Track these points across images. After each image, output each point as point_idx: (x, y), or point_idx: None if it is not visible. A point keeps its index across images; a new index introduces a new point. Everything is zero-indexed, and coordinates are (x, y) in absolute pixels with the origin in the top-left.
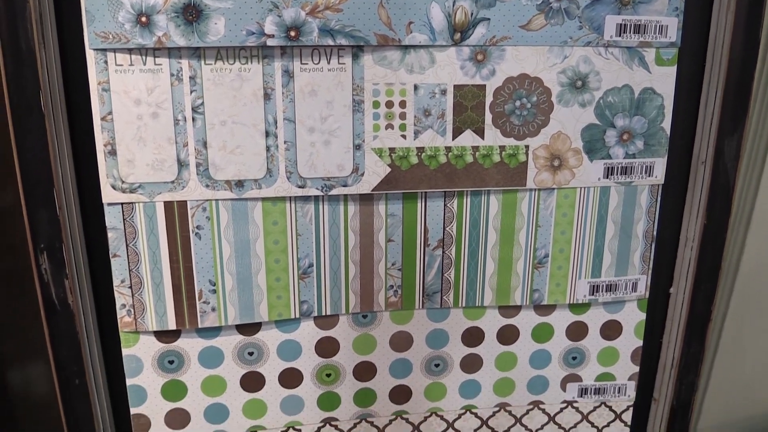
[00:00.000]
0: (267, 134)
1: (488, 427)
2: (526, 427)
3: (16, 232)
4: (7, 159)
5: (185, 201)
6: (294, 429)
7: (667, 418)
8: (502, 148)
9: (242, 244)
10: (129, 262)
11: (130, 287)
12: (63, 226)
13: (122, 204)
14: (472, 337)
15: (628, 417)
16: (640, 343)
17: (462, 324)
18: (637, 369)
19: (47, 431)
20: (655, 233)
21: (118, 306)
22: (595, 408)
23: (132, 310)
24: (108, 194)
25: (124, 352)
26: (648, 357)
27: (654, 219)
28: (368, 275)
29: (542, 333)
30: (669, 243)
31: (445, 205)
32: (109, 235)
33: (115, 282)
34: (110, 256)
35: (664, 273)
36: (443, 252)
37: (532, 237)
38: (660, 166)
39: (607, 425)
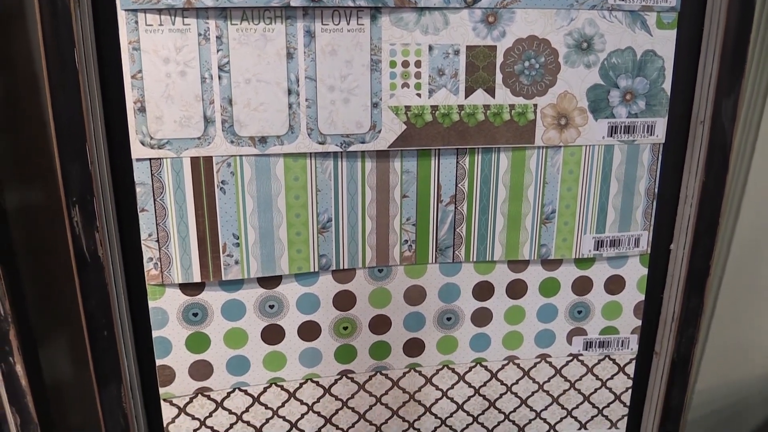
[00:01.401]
0: (289, 92)
1: (497, 379)
2: (533, 380)
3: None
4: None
5: (211, 157)
6: (312, 381)
7: (668, 371)
8: (512, 106)
9: (265, 198)
10: (156, 217)
11: (157, 241)
12: (94, 179)
13: (150, 159)
14: (483, 291)
15: (630, 370)
16: (642, 297)
17: (473, 278)
18: (639, 323)
19: (78, 386)
20: (656, 190)
21: (145, 259)
22: (599, 361)
23: (159, 264)
24: (137, 150)
25: (151, 304)
26: (650, 311)
27: (655, 177)
28: (384, 230)
29: (549, 287)
30: (669, 200)
31: (457, 162)
32: (138, 190)
33: (143, 236)
34: (138, 210)
35: (664, 229)
36: (455, 208)
37: (540, 193)
38: (661, 125)
39: (611, 378)
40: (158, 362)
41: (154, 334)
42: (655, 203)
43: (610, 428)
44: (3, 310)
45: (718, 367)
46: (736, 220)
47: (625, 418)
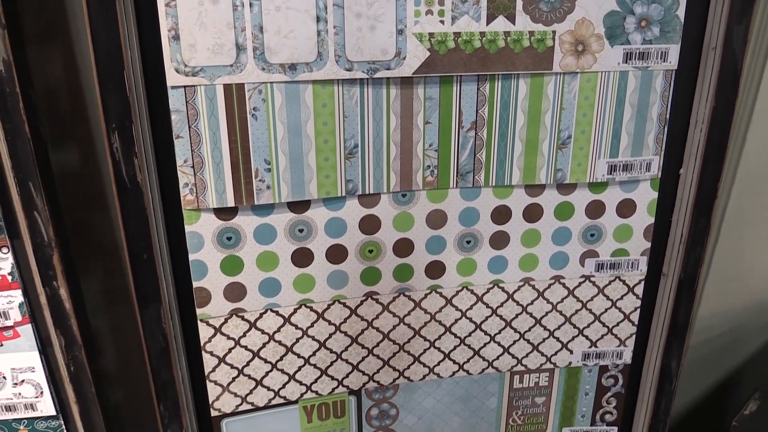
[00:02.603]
0: (318, 19)
1: (513, 300)
2: (547, 301)
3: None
4: None
5: (243, 84)
6: (339, 302)
7: (675, 291)
8: (531, 33)
9: (294, 125)
10: (191, 143)
11: (192, 167)
12: (132, 106)
13: (185, 87)
14: (501, 215)
15: (639, 290)
16: (652, 220)
17: (491, 203)
18: (648, 245)
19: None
20: (668, 116)
21: (181, 185)
22: (610, 282)
23: (194, 189)
24: (172, 78)
25: (187, 229)
26: (659, 233)
27: (667, 102)
28: (407, 156)
29: (564, 211)
30: (680, 125)
31: (478, 88)
32: (173, 117)
33: (179, 162)
34: (174, 137)
35: (675, 154)
36: (476, 134)
37: (557, 119)
38: (674, 52)
39: (621, 298)
40: (195, 284)
41: (191, 257)
42: (666, 129)
43: (618, 346)
44: (47, 235)
45: (718, 294)
46: (743, 147)
47: (633, 337)
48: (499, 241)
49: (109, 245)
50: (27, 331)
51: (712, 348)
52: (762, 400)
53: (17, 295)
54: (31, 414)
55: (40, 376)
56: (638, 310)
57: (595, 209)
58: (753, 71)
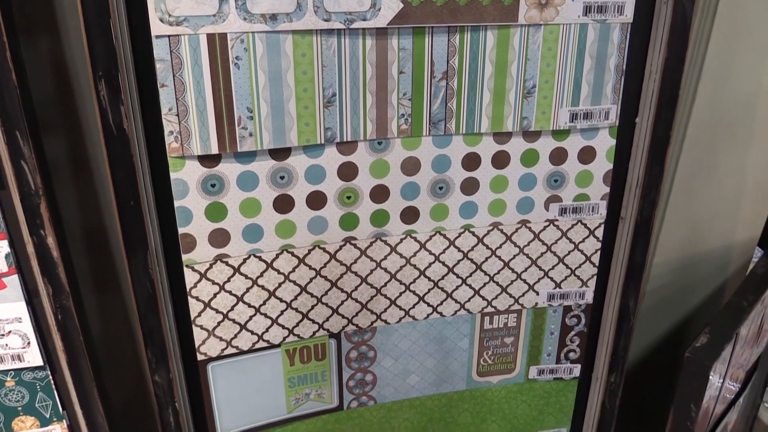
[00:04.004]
0: None
1: (483, 244)
2: (515, 244)
3: None
4: None
5: (225, 33)
6: (319, 247)
7: (632, 233)
8: None
9: (275, 73)
10: (176, 92)
11: (177, 115)
12: (118, 54)
13: (169, 37)
14: (471, 161)
15: (600, 233)
16: (611, 166)
17: (462, 150)
18: (608, 190)
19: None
20: (624, 67)
21: (166, 133)
22: (572, 226)
23: (179, 137)
24: (156, 27)
25: (172, 176)
26: (617, 179)
27: (624, 54)
28: (383, 104)
29: (529, 158)
30: (636, 76)
31: (448, 40)
32: (158, 66)
33: (164, 111)
34: (159, 86)
35: (631, 103)
36: (447, 83)
37: (522, 69)
38: (630, 5)
39: (583, 241)
40: (180, 231)
41: (176, 204)
42: (623, 79)
43: (581, 287)
44: (34, 184)
45: (673, 242)
46: (695, 92)
47: (595, 278)
48: (470, 187)
49: (98, 194)
50: (13, 281)
51: (667, 295)
52: (711, 333)
53: (3, 246)
54: (18, 365)
55: (26, 327)
56: (599, 252)
57: (558, 156)
58: (703, 24)
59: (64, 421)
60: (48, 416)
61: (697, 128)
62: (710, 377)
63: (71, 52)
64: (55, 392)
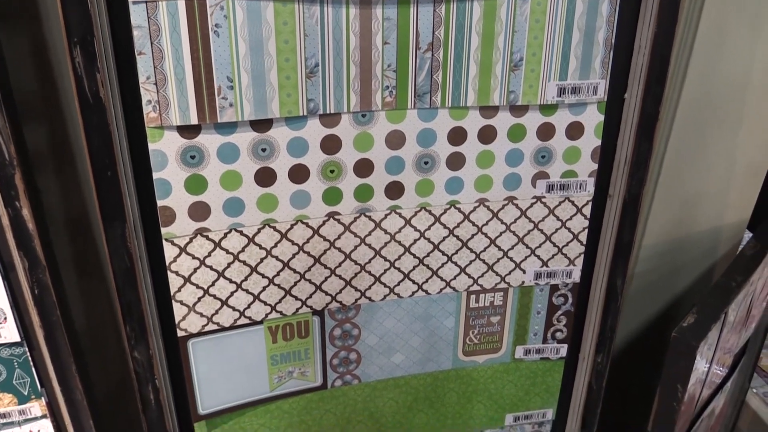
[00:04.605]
0: None
1: (470, 221)
2: (501, 221)
3: None
4: None
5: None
6: (302, 222)
7: (620, 211)
8: None
9: (256, 42)
10: (153, 60)
11: (155, 83)
12: (94, 20)
13: (146, 2)
14: (457, 136)
15: (587, 211)
16: (599, 142)
17: (448, 124)
18: (596, 167)
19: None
20: (613, 41)
21: (144, 102)
22: (560, 203)
23: (157, 106)
24: None
25: (151, 147)
26: (605, 156)
27: (613, 27)
28: (367, 75)
29: (516, 133)
30: (625, 50)
31: (434, 10)
32: (135, 33)
33: (141, 79)
34: (136, 53)
35: (620, 78)
36: (432, 55)
37: (509, 41)
38: None
39: (570, 219)
40: (159, 203)
41: (155, 175)
42: (612, 53)
43: (568, 266)
44: (8, 153)
45: (661, 224)
46: (686, 69)
47: (582, 256)
48: (456, 162)
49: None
50: None
51: (656, 277)
52: (699, 313)
53: None
54: None
55: (3, 302)
56: (586, 230)
57: (546, 131)
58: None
59: (42, 398)
60: (26, 393)
61: (687, 107)
62: (697, 357)
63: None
64: (33, 369)
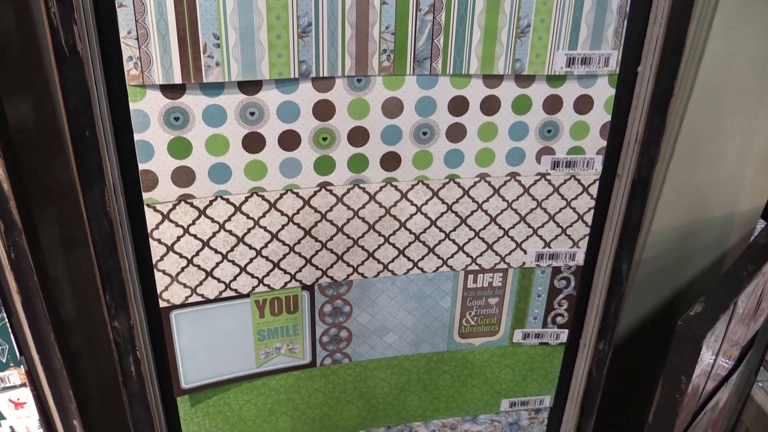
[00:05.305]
0: None
1: (469, 197)
2: (503, 198)
3: None
4: None
5: None
6: (292, 192)
7: (628, 192)
8: None
9: None
10: (135, 13)
11: (137, 39)
12: None
13: None
14: (458, 105)
15: (594, 190)
16: (609, 117)
17: (449, 92)
18: (605, 143)
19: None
20: (627, 9)
21: (125, 58)
22: (565, 181)
23: (139, 63)
24: None
25: (132, 106)
26: (615, 133)
27: None
28: (363, 37)
29: (521, 105)
30: (640, 20)
31: None
32: None
33: (122, 33)
34: (116, 5)
35: (633, 50)
36: (433, 17)
37: (516, 6)
38: None
39: (575, 198)
40: (141, 167)
41: (136, 137)
42: (626, 22)
43: (572, 247)
44: None
45: (672, 209)
46: (705, 42)
47: (587, 238)
48: (456, 133)
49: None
50: None
51: (664, 264)
52: (707, 302)
53: None
54: None
55: None
56: (592, 211)
57: (553, 104)
58: None
59: (22, 366)
60: (4, 361)
61: (704, 86)
62: (703, 348)
63: None
64: (12, 336)
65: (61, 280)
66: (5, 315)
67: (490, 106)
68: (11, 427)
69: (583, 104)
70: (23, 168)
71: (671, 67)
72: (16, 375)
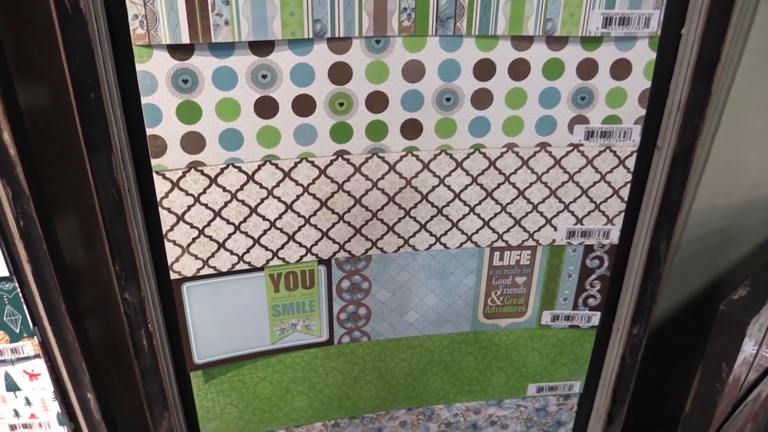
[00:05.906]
0: None
1: (496, 168)
2: (532, 170)
3: None
4: None
5: None
6: (307, 161)
7: (669, 165)
8: None
9: None
10: None
11: None
12: None
13: None
14: (484, 69)
15: (631, 163)
16: (649, 84)
17: (474, 55)
18: (643, 112)
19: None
20: None
21: (130, 17)
22: (599, 153)
23: (144, 21)
24: None
25: (138, 67)
26: (655, 101)
27: None
28: None
29: (553, 69)
30: None
31: None
32: None
33: None
34: None
35: (677, 10)
36: None
37: None
38: None
39: (611, 171)
40: (149, 132)
41: (143, 100)
42: None
43: (606, 224)
44: None
45: (715, 188)
46: (753, 18)
47: (622, 215)
48: (482, 100)
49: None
50: None
51: (705, 246)
52: (752, 286)
53: None
54: None
55: None
56: (629, 186)
57: (587, 68)
58: None
59: (35, 337)
60: (18, 331)
61: (753, 53)
62: (746, 335)
63: None
64: (25, 306)
65: (73, 250)
66: (17, 284)
67: (518, 70)
68: (26, 398)
69: (621, 69)
70: (30, 132)
71: (718, 30)
72: (29, 346)
